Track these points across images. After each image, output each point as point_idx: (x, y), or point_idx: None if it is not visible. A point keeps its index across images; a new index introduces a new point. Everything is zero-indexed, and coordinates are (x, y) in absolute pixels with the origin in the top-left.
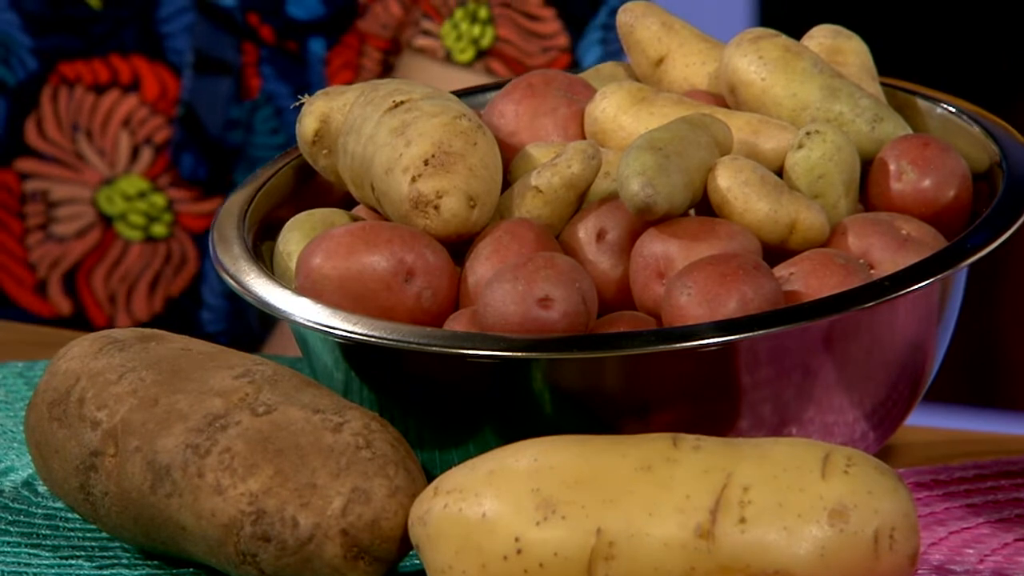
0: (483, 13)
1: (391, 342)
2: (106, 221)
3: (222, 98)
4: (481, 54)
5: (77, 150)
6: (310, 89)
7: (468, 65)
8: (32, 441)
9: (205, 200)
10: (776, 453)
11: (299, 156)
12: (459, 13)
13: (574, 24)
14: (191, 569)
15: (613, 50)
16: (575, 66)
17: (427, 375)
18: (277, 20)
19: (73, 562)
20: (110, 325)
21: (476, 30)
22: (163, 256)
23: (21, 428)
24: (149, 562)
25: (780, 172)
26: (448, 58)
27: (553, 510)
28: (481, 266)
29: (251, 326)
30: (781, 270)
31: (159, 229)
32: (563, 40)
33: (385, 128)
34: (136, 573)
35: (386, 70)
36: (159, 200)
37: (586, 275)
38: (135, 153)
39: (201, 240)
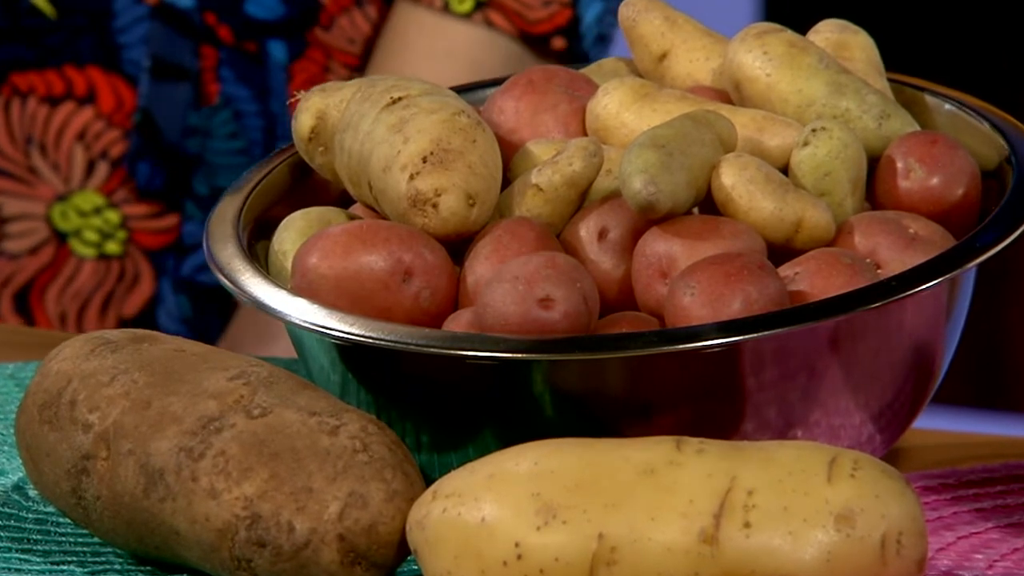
0: None
1: (389, 343)
2: (60, 238)
3: (180, 104)
4: (480, 5)
5: (30, 164)
6: (270, 93)
7: (467, 16)
8: (22, 444)
9: (161, 217)
10: (781, 456)
11: (295, 153)
12: None
13: None
14: (185, 575)
15: (613, 7)
16: (577, 22)
17: (425, 377)
18: (235, 20)
19: (65, 568)
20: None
21: None
22: (116, 274)
23: (11, 431)
24: (142, 568)
25: (785, 170)
26: (446, 8)
27: (554, 515)
28: (480, 266)
29: None
30: (786, 270)
31: (112, 247)
32: None
33: (383, 125)
34: None
35: None
36: (113, 216)
37: (587, 275)
38: (90, 168)
39: (157, 259)
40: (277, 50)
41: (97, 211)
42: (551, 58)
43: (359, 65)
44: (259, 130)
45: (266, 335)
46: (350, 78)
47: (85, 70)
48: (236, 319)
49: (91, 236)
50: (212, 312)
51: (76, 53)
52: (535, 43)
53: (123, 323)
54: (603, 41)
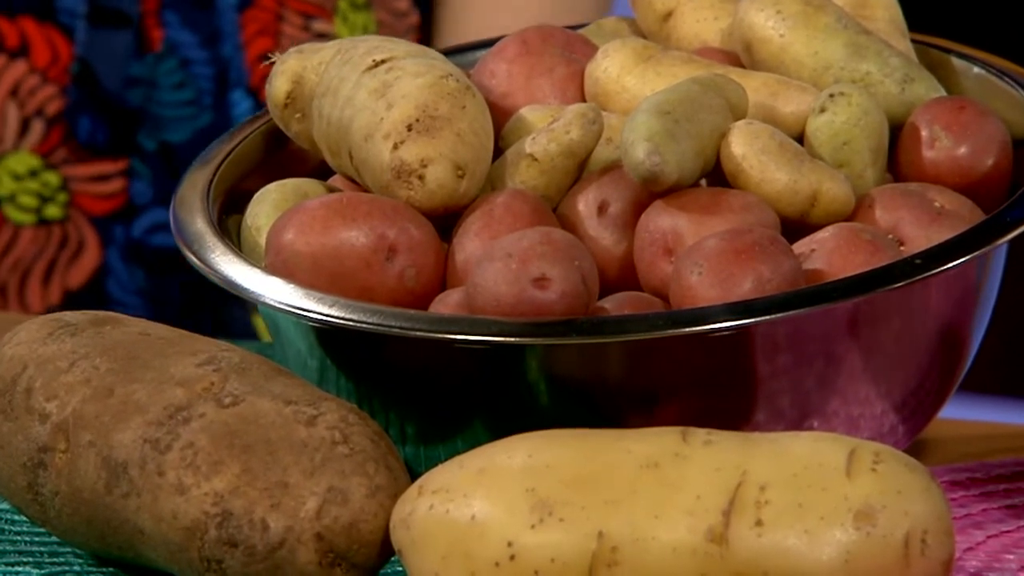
0: None
1: (371, 326)
2: None
3: (120, 53)
4: None
5: None
6: (220, 37)
7: None
8: None
9: (107, 181)
10: (796, 449)
11: (269, 120)
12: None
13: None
14: None
15: None
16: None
17: (411, 363)
18: None
19: (20, 569)
20: None
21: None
22: (58, 241)
23: None
24: (104, 569)
25: (800, 139)
26: None
27: (550, 512)
28: (470, 242)
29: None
30: (801, 247)
31: (53, 211)
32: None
33: (364, 90)
34: None
35: (314, 38)
36: (52, 179)
37: (586, 252)
38: (25, 127)
39: (102, 226)
40: None
41: (33, 174)
42: None
43: (317, 14)
44: (209, 79)
45: None
46: (305, 28)
47: (17, 21)
48: None
49: (28, 201)
50: (171, 281)
51: (7, 2)
52: None
53: (69, 295)
54: None
